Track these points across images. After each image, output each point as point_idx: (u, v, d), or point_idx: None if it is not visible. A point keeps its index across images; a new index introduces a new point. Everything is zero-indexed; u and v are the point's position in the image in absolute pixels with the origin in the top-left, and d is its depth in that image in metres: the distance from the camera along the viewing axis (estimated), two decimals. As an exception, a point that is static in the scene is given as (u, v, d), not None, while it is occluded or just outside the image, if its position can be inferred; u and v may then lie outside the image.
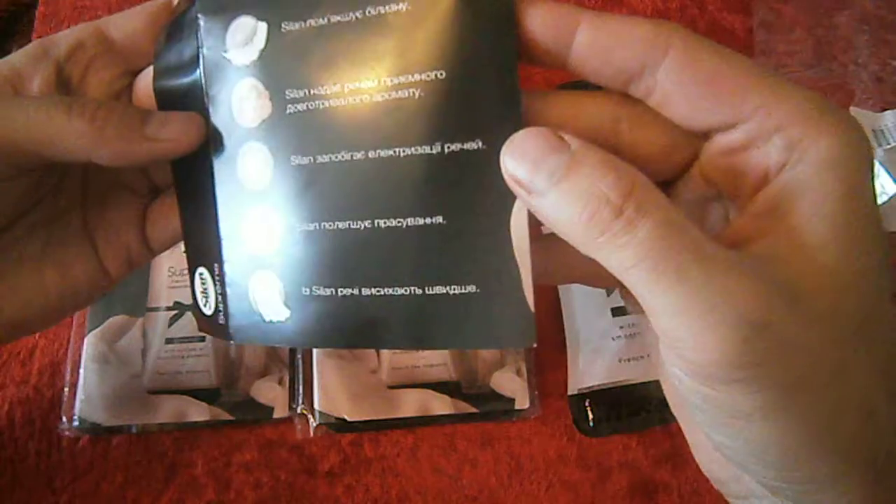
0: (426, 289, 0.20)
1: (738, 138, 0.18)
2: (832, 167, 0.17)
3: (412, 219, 0.20)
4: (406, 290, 0.20)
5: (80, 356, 0.38)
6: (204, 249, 0.25)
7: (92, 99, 0.21)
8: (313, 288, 0.22)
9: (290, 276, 0.22)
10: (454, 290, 0.20)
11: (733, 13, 0.51)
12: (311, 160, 0.21)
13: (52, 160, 0.22)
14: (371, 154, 0.20)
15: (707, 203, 0.20)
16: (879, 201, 0.40)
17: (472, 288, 0.19)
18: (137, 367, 0.38)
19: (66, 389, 0.38)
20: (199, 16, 0.22)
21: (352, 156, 0.20)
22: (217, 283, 0.24)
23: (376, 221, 0.20)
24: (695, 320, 0.16)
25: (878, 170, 0.41)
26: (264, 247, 0.22)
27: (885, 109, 0.47)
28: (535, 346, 0.19)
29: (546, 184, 0.17)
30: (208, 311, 0.25)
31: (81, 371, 0.38)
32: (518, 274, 0.19)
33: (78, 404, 0.37)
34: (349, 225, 0.21)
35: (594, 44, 0.18)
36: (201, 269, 0.25)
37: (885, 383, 0.17)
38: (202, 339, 0.39)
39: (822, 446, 0.17)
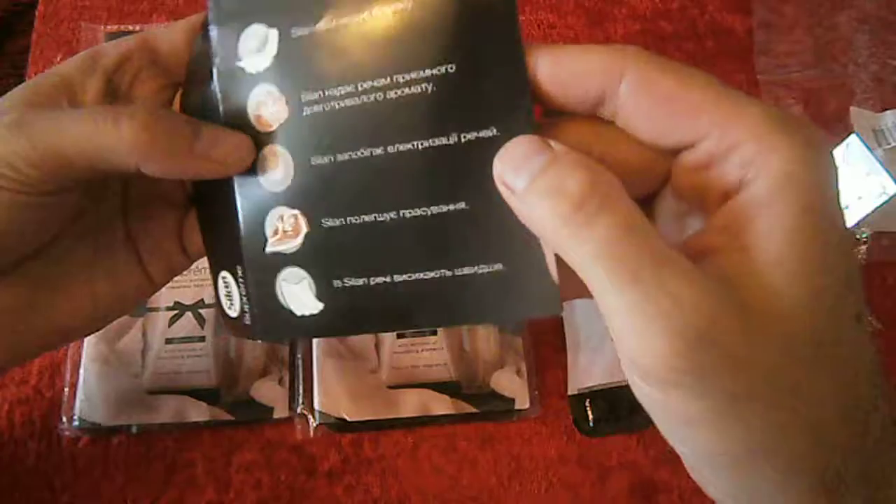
0: (455, 270, 0.21)
1: (699, 156, 0.18)
2: (786, 185, 0.17)
3: (436, 206, 0.20)
4: (436, 273, 0.21)
5: (80, 356, 0.38)
6: (225, 253, 0.25)
7: (140, 107, 0.21)
8: (345, 280, 0.22)
9: (319, 270, 0.23)
10: (482, 269, 0.20)
11: (733, 13, 0.52)
12: (332, 159, 0.22)
13: (104, 172, 0.22)
14: (390, 149, 0.21)
15: (683, 217, 0.21)
16: (879, 201, 0.40)
17: (499, 266, 0.20)
18: (137, 367, 0.38)
19: (66, 389, 0.38)
20: (212, 26, 0.23)
21: (371, 152, 0.21)
22: (241, 285, 0.25)
23: (401, 212, 0.21)
24: (643, 322, 0.16)
25: (878, 169, 0.41)
26: (289, 245, 0.23)
27: (885, 109, 0.47)
28: (560, 314, 0.20)
29: (525, 182, 0.18)
30: (233, 313, 0.25)
31: (81, 371, 0.38)
32: (541, 248, 0.20)
33: (78, 404, 0.37)
34: (375, 217, 0.21)
35: (553, 80, 0.19)
36: (224, 273, 0.25)
37: (839, 404, 0.17)
38: (202, 339, 0.39)
39: (767, 459, 0.17)
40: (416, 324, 0.22)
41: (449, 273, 0.21)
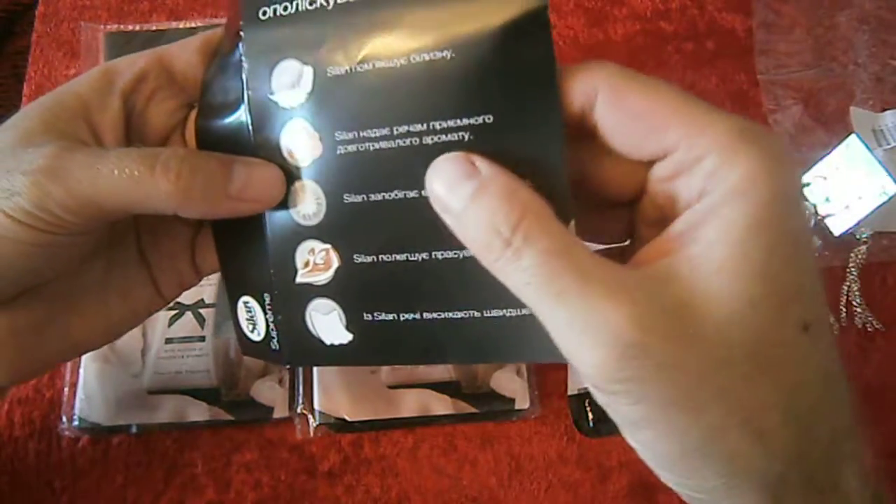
0: (484, 312, 0.22)
1: (669, 168, 0.20)
2: (739, 197, 0.17)
3: (467, 251, 0.20)
4: (465, 314, 0.22)
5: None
6: (249, 279, 0.25)
7: (174, 155, 0.22)
8: (375, 314, 0.23)
9: (350, 303, 0.23)
10: (510, 312, 0.21)
11: (733, 13, 0.51)
12: (365, 198, 0.22)
13: (137, 213, 0.23)
14: (424, 193, 0.21)
15: (661, 223, 0.21)
16: (879, 201, 0.40)
17: (527, 311, 0.20)
18: (137, 366, 0.38)
19: (66, 389, 0.38)
20: (244, 59, 0.23)
21: (405, 195, 0.21)
22: (269, 311, 0.25)
23: (434, 254, 0.22)
24: (576, 337, 0.18)
25: (878, 169, 0.41)
26: (320, 277, 0.23)
27: (885, 109, 0.47)
28: None
29: (458, 207, 0.19)
30: (257, 337, 0.26)
31: (81, 371, 0.38)
32: None
33: (78, 404, 0.37)
34: (407, 257, 0.22)
35: None
36: (246, 298, 0.26)
37: (782, 408, 0.18)
38: (202, 339, 0.39)
39: (704, 459, 0.18)
40: (448, 359, 0.23)
41: (478, 314, 0.22)
